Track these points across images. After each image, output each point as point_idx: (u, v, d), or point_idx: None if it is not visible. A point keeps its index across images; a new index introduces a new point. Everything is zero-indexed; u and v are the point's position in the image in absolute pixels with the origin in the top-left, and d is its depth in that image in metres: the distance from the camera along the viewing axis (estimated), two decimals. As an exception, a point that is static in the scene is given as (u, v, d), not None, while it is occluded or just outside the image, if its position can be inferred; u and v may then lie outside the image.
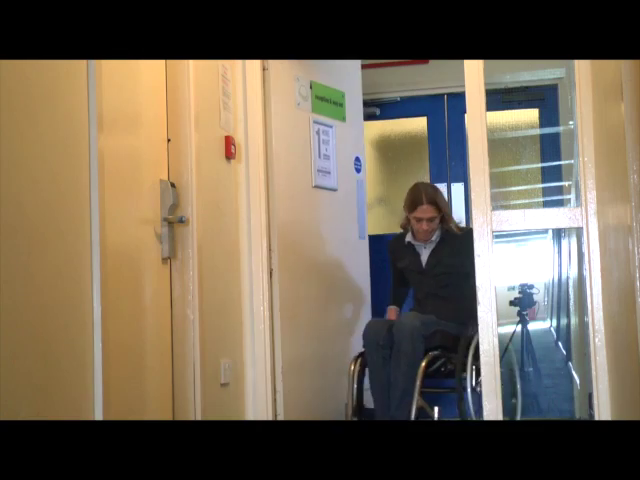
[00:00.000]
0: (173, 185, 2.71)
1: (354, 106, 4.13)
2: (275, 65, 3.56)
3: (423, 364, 3.20)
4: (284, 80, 3.62)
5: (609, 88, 2.92)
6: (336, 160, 3.95)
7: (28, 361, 1.69)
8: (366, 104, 4.45)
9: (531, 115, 4.98)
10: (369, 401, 3.44)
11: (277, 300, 3.44)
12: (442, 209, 3.53)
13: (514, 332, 5.79)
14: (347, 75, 4.10)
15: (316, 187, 3.80)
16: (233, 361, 3.16)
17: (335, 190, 3.93)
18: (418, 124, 5.01)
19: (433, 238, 3.59)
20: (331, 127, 3.93)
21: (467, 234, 3.09)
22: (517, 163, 4.98)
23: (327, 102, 3.94)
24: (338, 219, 3.94)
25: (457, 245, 3.50)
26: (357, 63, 4.18)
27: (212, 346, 2.93)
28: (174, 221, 2.69)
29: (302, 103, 3.76)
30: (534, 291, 6.10)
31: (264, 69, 3.52)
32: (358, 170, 4.13)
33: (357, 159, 4.13)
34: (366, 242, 4.15)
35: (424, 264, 3.62)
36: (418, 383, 3.13)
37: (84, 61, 2.00)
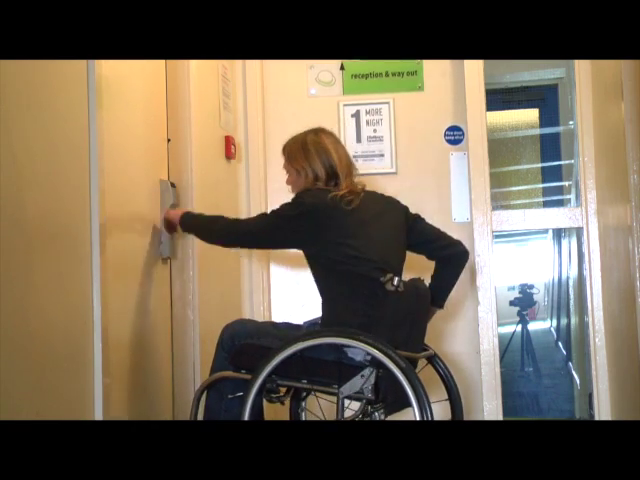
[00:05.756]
0: (173, 185, 2.71)
1: (447, 70, 3.50)
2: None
3: None
4: (288, 72, 3.56)
5: (609, 88, 2.92)
6: (399, 138, 3.48)
7: (28, 361, 1.69)
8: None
9: (531, 115, 4.99)
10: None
11: (277, 300, 3.44)
12: (291, 163, 2.50)
13: (514, 332, 5.80)
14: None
15: None
16: (233, 361, 3.15)
17: (392, 173, 3.47)
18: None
19: None
20: (387, 103, 3.49)
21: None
22: (517, 163, 4.98)
23: (378, 77, 3.51)
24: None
25: None
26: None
27: (212, 346, 2.92)
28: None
29: (320, 90, 3.52)
30: (534, 291, 6.11)
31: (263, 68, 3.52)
32: (454, 142, 3.47)
33: (454, 128, 3.47)
34: (468, 224, 3.40)
35: None
36: None
37: (84, 61, 2.00)
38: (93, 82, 2.02)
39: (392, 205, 2.52)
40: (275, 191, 3.44)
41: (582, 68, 3.26)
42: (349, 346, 2.14)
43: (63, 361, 1.85)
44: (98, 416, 1.97)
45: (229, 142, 3.24)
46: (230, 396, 2.30)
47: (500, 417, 3.22)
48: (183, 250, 2.76)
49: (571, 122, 3.71)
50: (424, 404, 2.00)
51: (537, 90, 4.74)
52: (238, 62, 3.45)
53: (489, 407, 3.22)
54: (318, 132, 2.51)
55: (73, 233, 1.94)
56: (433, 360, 2.47)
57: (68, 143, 1.93)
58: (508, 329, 5.84)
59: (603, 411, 3.17)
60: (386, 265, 2.29)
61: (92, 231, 2.00)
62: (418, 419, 1.99)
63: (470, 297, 3.33)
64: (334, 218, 2.29)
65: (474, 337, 3.31)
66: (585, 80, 3.26)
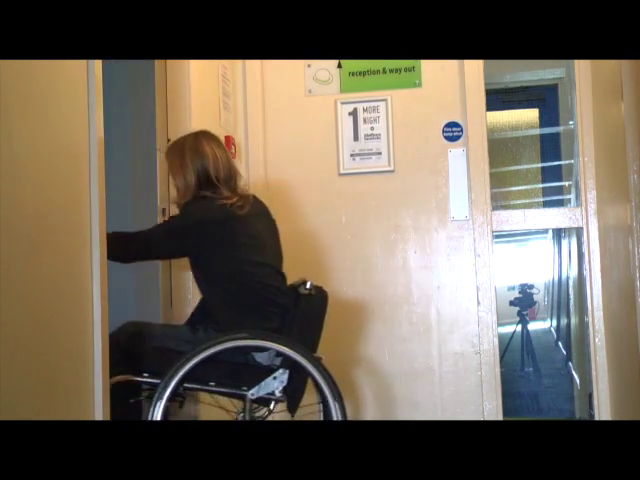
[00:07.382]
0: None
1: (446, 65, 3.46)
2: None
3: None
4: (285, 72, 3.56)
5: (609, 88, 2.92)
6: (397, 135, 3.45)
7: (28, 361, 1.69)
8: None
9: (531, 115, 4.99)
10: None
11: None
12: (169, 169, 2.45)
13: (514, 332, 5.80)
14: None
15: (346, 174, 3.46)
16: (233, 361, 3.15)
17: (390, 171, 3.44)
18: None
19: None
20: (384, 101, 3.45)
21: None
22: (517, 163, 4.98)
23: (375, 74, 3.47)
24: (388, 204, 3.48)
25: None
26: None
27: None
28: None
29: (317, 89, 3.49)
30: (534, 291, 6.11)
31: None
32: (453, 138, 3.42)
33: (452, 125, 3.43)
34: (468, 223, 3.40)
35: None
36: None
37: (84, 61, 2.00)
38: (93, 82, 2.02)
39: (267, 210, 2.48)
40: (275, 190, 3.45)
41: (582, 68, 3.26)
42: (261, 349, 2.15)
43: (63, 361, 1.85)
44: (98, 416, 1.97)
45: (229, 142, 3.24)
46: (132, 400, 2.21)
47: (500, 417, 3.22)
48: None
49: (571, 122, 3.71)
50: (341, 402, 2.09)
51: (537, 90, 4.75)
52: (238, 62, 3.45)
53: (489, 407, 3.22)
54: (198, 135, 2.44)
55: (73, 233, 1.94)
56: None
57: (68, 143, 1.93)
58: (508, 329, 5.84)
59: (603, 411, 3.17)
60: (280, 268, 2.32)
61: (92, 231, 2.00)
62: (335, 418, 2.06)
63: (470, 297, 3.34)
64: (225, 230, 2.25)
65: (474, 337, 3.31)
66: (585, 80, 3.26)
